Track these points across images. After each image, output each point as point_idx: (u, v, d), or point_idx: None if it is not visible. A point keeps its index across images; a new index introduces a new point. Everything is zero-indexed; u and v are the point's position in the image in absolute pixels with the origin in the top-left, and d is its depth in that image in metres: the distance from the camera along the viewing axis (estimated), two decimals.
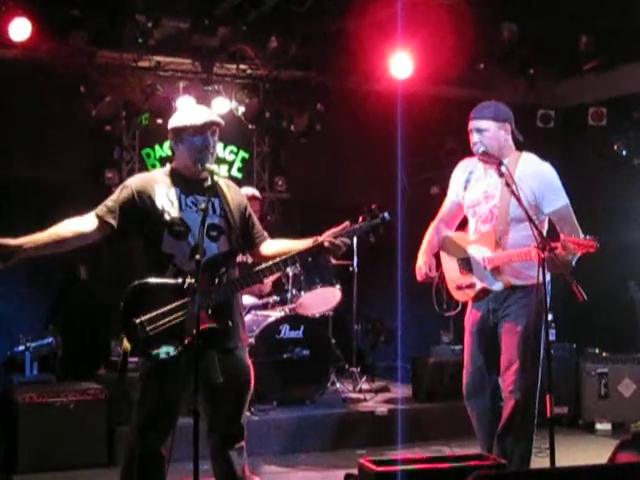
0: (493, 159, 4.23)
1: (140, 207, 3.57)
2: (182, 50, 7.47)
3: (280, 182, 8.56)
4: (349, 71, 7.80)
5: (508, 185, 4.05)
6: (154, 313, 3.42)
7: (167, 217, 3.55)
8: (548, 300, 3.94)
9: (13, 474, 5.44)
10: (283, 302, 6.73)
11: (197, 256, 3.27)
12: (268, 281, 6.43)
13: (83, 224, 3.54)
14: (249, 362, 3.70)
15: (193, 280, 3.32)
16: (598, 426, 6.88)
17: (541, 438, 4.34)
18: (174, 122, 3.65)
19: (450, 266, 4.58)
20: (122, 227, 3.58)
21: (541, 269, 3.81)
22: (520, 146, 4.44)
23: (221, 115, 3.90)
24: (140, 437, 3.50)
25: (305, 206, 8.25)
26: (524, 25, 7.00)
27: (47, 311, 7.40)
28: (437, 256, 4.62)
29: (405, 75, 7.52)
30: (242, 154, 8.48)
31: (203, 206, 3.42)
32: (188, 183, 3.65)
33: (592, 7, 6.72)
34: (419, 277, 4.50)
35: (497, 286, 4.32)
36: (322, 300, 6.82)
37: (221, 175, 3.65)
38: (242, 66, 7.92)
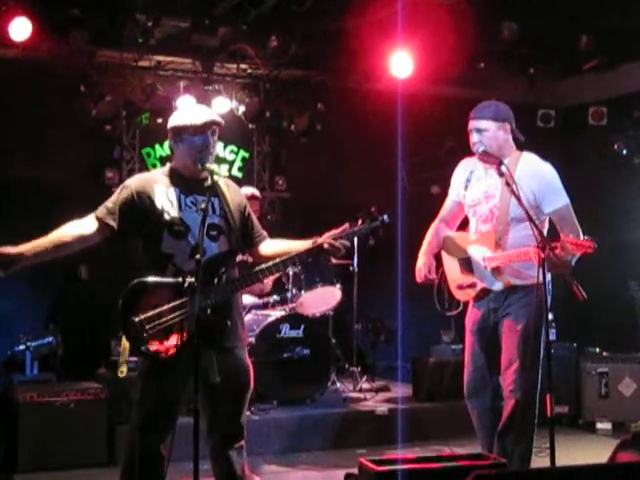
0: (493, 159, 4.23)
1: (140, 207, 3.56)
2: (182, 50, 7.46)
3: (280, 181, 8.56)
4: (349, 70, 7.79)
5: (508, 185, 4.04)
6: (153, 312, 3.42)
7: (167, 217, 3.55)
8: (549, 300, 3.94)
9: (13, 473, 5.44)
10: (283, 301, 6.73)
11: (197, 256, 3.26)
12: (269, 281, 6.43)
13: (83, 227, 3.54)
14: (249, 362, 3.70)
15: (193, 279, 3.31)
16: (598, 425, 6.89)
17: (541, 437, 4.33)
18: (174, 121, 3.64)
19: (451, 266, 4.58)
20: (122, 228, 3.58)
21: (541, 269, 3.81)
22: (521, 146, 4.44)
23: (221, 115, 3.89)
24: (140, 437, 3.49)
25: (305, 205, 8.25)
26: (524, 24, 6.99)
27: (47, 310, 7.39)
28: (438, 256, 4.62)
29: (405, 74, 7.51)
30: (242, 154, 8.48)
31: (203, 206, 3.41)
32: (188, 183, 3.65)
33: (592, 6, 6.71)
34: (418, 279, 4.51)
35: (497, 286, 4.32)
36: (322, 299, 6.82)
37: (221, 175, 3.64)
38: (242, 65, 7.91)
